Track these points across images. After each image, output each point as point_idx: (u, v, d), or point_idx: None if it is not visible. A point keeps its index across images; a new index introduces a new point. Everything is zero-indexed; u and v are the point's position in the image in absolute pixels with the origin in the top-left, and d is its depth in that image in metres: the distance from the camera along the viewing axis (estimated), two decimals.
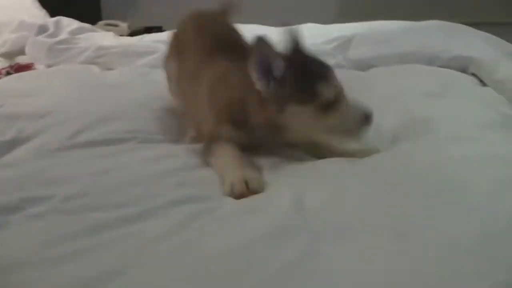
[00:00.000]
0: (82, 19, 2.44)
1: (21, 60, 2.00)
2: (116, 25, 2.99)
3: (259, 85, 0.91)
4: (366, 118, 0.91)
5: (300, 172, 0.90)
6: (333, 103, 0.91)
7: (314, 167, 0.91)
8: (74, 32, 2.16)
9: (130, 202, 0.79)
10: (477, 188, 0.74)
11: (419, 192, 0.74)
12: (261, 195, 0.82)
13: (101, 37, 2.17)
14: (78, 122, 1.17)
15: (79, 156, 1.03)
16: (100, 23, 3.03)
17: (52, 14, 2.52)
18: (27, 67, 1.85)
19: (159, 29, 3.25)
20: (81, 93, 1.41)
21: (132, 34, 2.91)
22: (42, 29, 2.09)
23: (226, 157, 0.94)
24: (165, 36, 2.32)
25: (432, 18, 1.91)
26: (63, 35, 2.10)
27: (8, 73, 1.76)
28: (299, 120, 0.92)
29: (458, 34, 1.75)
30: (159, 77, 1.61)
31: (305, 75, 0.92)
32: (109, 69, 1.83)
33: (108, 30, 2.86)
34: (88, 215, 0.75)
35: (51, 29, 2.11)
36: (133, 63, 1.85)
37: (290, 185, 0.83)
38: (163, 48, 1.81)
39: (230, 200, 0.82)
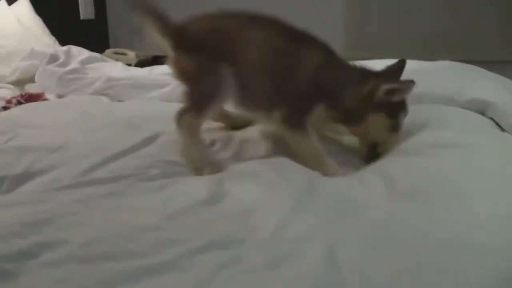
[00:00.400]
0: (90, 47, 2.44)
1: (31, 88, 1.99)
2: (124, 54, 3.00)
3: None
4: None
5: (332, 216, 0.87)
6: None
7: (348, 212, 0.88)
8: (84, 62, 2.15)
9: (147, 250, 0.75)
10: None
11: (448, 254, 0.71)
12: (291, 243, 0.78)
13: (111, 68, 2.16)
14: (90, 159, 1.14)
15: (92, 194, 0.99)
16: (108, 51, 3.04)
17: (61, 41, 2.55)
18: (37, 97, 1.84)
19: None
20: (92, 127, 1.39)
21: (140, 63, 2.92)
22: (52, 58, 2.08)
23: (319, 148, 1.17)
24: None
25: (438, 55, 1.91)
26: (73, 65, 2.09)
27: (18, 102, 1.75)
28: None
29: (471, 75, 1.73)
30: (171, 111, 1.61)
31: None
32: (119, 100, 1.82)
33: (116, 59, 2.87)
34: (103, 265, 0.71)
35: (62, 58, 2.10)
36: (143, 95, 1.83)
37: (322, 232, 0.80)
38: (172, 82, 1.82)
39: (257, 244, 0.78)
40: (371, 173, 1.02)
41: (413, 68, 1.78)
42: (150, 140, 1.30)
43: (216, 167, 1.14)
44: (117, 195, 0.98)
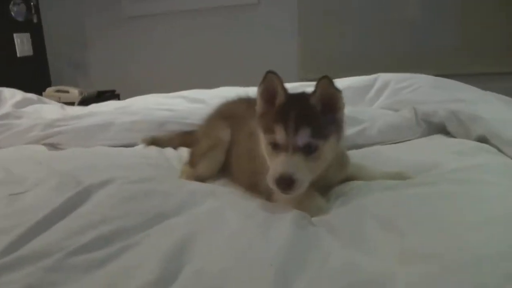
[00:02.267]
0: (30, 85, 2.23)
1: None
2: (66, 92, 2.79)
3: (259, 108, 1.02)
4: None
5: None
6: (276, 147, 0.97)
7: None
8: (18, 105, 1.92)
9: None
10: None
11: None
12: None
13: (48, 111, 1.93)
14: (10, 233, 0.90)
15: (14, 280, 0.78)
16: (49, 89, 2.83)
17: None
18: None
19: (112, 93, 3.05)
20: (17, 189, 1.15)
21: (85, 99, 2.72)
22: None
23: None
24: (116, 103, 2.12)
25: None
26: (5, 109, 1.87)
27: None
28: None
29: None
30: (114, 158, 1.41)
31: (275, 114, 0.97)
32: (58, 148, 1.60)
33: (59, 97, 2.66)
34: None
35: None
36: (86, 141, 1.61)
37: None
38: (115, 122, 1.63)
39: None
40: None
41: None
42: (84, 196, 1.07)
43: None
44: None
